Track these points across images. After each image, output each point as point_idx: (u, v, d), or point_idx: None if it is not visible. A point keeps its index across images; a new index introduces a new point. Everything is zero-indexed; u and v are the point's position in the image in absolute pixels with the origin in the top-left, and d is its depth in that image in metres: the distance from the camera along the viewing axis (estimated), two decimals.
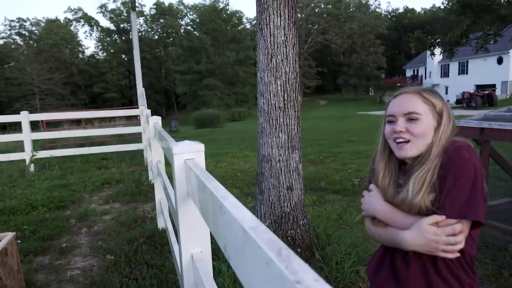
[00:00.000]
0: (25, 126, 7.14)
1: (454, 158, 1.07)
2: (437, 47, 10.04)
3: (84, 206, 4.87)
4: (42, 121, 10.57)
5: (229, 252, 0.80)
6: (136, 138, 9.94)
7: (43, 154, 7.38)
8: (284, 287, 0.48)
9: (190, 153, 1.46)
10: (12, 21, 52.43)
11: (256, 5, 2.89)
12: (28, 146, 7.12)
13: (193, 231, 1.50)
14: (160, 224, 3.85)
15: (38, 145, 8.43)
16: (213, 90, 44.72)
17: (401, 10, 68.83)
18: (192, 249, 1.51)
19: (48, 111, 27.02)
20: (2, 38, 51.91)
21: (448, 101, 32.41)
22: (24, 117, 7.15)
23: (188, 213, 1.49)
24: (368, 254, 2.91)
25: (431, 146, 1.14)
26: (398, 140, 1.16)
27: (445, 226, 1.04)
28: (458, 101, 31.10)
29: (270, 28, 2.80)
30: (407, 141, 1.15)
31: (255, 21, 3.06)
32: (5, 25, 52.28)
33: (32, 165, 7.02)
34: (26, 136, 7.14)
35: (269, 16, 2.80)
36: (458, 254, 1.05)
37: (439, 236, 1.03)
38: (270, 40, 2.82)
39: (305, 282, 0.45)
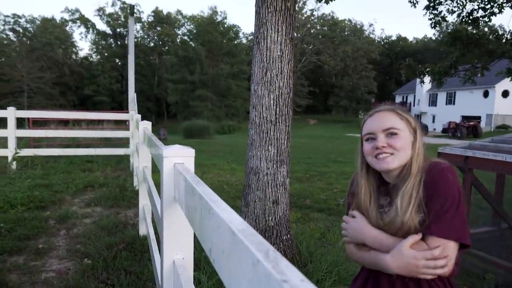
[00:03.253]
0: (11, 123, 7.01)
1: (439, 180, 1.10)
2: (426, 75, 10.33)
3: (64, 207, 4.76)
4: (28, 119, 10.37)
5: (215, 255, 0.79)
6: (123, 143, 9.84)
7: (26, 152, 7.24)
8: (270, 286, 0.48)
9: (180, 157, 1.45)
10: (7, 16, 51.89)
11: (255, 19, 2.95)
12: (12, 143, 6.98)
13: (177, 237, 1.48)
14: (142, 231, 3.79)
15: (23, 143, 8.25)
16: (204, 101, 44.77)
17: (394, 38, 70.75)
18: (174, 255, 1.49)
19: (36, 110, 26.58)
20: None
21: (434, 129, 32.68)
22: (11, 113, 7.03)
23: (173, 217, 1.48)
24: (349, 274, 2.91)
25: (409, 162, 1.17)
26: (381, 156, 1.17)
27: (424, 251, 1.05)
28: (444, 130, 31.78)
29: (267, 42, 2.85)
30: (389, 155, 1.16)
31: (252, 35, 3.11)
32: None
33: (14, 162, 6.86)
34: (11, 132, 7.00)
35: (267, 31, 2.85)
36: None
37: (419, 260, 1.04)
38: (266, 54, 2.86)
39: (292, 281, 0.46)
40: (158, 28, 59.61)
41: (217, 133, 29.72)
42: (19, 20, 52.87)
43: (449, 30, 10.14)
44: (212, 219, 0.82)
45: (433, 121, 39.32)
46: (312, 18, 55.49)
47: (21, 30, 52.97)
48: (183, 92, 46.24)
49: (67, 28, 58.95)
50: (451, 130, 29.45)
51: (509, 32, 9.18)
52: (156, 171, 4.59)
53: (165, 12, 60.45)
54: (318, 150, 14.92)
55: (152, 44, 60.29)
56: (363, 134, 1.26)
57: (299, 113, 53.45)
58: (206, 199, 0.90)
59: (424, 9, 9.28)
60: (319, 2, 3.84)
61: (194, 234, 1.38)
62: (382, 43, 67.49)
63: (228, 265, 0.69)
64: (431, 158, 1.19)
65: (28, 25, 53.90)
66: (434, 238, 1.06)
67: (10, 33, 52.36)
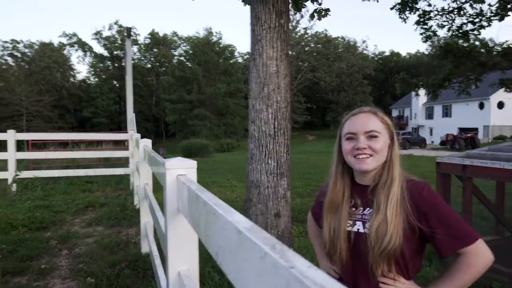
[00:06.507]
0: (11, 145, 7.03)
1: (431, 198, 1.17)
2: (421, 88, 10.48)
3: (65, 228, 4.75)
4: (27, 141, 10.38)
5: (222, 257, 0.82)
6: (122, 163, 9.84)
7: (26, 174, 7.24)
8: (278, 274, 0.51)
9: (183, 169, 1.48)
10: (6, 42, 52.60)
11: (251, 36, 3.03)
12: (12, 166, 6.98)
13: (181, 248, 1.50)
14: (144, 249, 3.78)
15: (22, 165, 8.26)
16: (203, 120, 44.99)
17: (387, 53, 71.73)
18: (179, 267, 1.50)
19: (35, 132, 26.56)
20: None
21: (432, 142, 32.68)
22: (11, 136, 7.06)
23: (177, 229, 1.49)
24: None
25: (389, 164, 1.24)
26: (361, 156, 1.22)
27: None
28: (442, 143, 31.93)
29: (263, 58, 2.93)
30: (368, 156, 1.22)
31: (248, 53, 3.19)
32: None
33: (14, 185, 6.85)
34: (11, 155, 7.01)
35: (262, 47, 2.93)
36: None
37: None
38: (263, 69, 2.93)
39: (299, 267, 0.48)
40: (155, 50, 60.46)
41: (216, 151, 29.75)
42: (18, 45, 53.57)
43: (441, 44, 10.34)
44: (218, 222, 0.85)
45: (431, 134, 39.52)
46: (306, 36, 56.36)
47: (19, 55, 53.58)
48: (181, 111, 46.53)
49: (65, 52, 59.67)
50: (449, 143, 29.55)
51: (499, 44, 9.38)
52: (156, 190, 4.60)
53: (161, 34, 61.48)
54: (318, 165, 14.92)
55: (149, 65, 61.02)
56: (344, 133, 1.29)
57: (297, 130, 53.71)
58: (210, 204, 0.93)
59: (414, 24, 9.50)
60: (312, 19, 3.94)
61: (198, 244, 1.40)
62: (376, 58, 68.40)
63: (236, 263, 0.72)
64: (404, 171, 1.25)
65: (27, 50, 54.57)
66: (470, 247, 1.12)
67: (9, 58, 52.96)
